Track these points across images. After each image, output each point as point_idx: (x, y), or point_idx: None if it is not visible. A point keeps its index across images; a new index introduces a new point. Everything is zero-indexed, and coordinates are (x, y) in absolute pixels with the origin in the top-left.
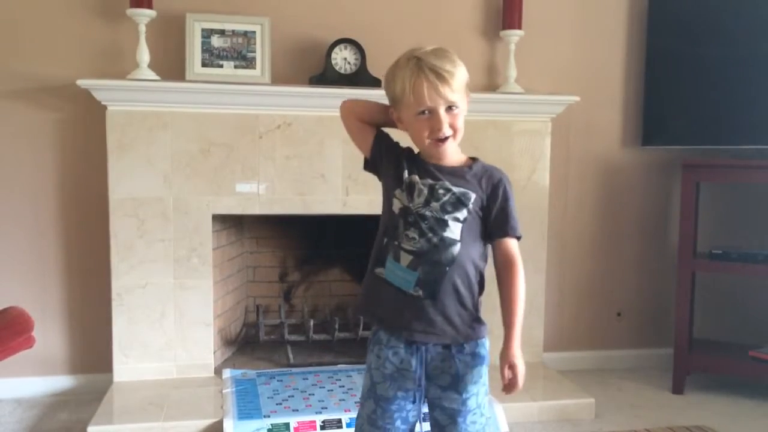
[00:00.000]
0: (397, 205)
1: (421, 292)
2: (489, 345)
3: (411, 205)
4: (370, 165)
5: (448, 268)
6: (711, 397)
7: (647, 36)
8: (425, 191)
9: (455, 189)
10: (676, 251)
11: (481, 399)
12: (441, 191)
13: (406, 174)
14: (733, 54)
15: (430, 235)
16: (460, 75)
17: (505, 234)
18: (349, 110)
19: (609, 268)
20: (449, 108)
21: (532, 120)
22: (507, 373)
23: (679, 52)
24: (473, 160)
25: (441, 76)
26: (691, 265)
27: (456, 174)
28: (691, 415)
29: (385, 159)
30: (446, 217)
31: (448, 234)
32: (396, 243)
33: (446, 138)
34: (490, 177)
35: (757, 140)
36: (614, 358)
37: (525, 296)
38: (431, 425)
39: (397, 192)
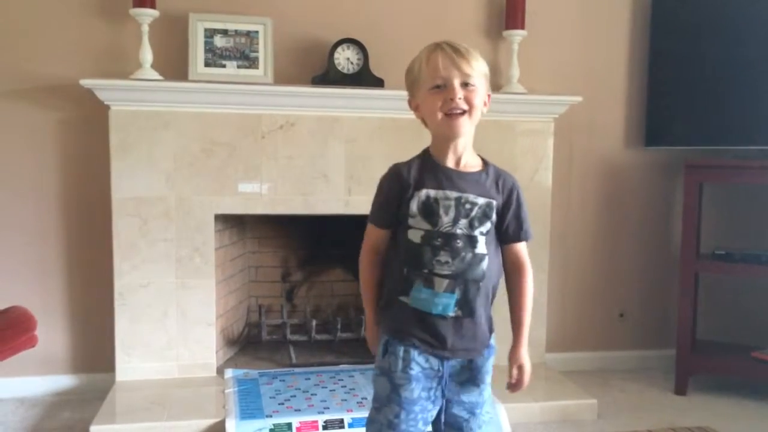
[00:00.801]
0: (416, 234)
1: (460, 312)
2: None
3: (437, 226)
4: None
5: (481, 283)
6: (713, 399)
7: (650, 36)
8: (452, 207)
9: (480, 201)
10: (678, 252)
11: (490, 390)
12: (468, 206)
13: (416, 199)
14: (737, 54)
15: (464, 254)
16: (479, 60)
17: (518, 240)
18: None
19: (611, 269)
20: (465, 84)
21: (534, 120)
22: (515, 372)
23: (683, 52)
24: (485, 162)
25: (458, 50)
26: (693, 265)
27: (478, 181)
28: (693, 416)
29: (395, 203)
30: (475, 233)
31: (478, 250)
32: (426, 271)
33: (461, 113)
34: (504, 182)
35: (761, 141)
36: (616, 359)
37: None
38: (447, 424)
39: (412, 221)
